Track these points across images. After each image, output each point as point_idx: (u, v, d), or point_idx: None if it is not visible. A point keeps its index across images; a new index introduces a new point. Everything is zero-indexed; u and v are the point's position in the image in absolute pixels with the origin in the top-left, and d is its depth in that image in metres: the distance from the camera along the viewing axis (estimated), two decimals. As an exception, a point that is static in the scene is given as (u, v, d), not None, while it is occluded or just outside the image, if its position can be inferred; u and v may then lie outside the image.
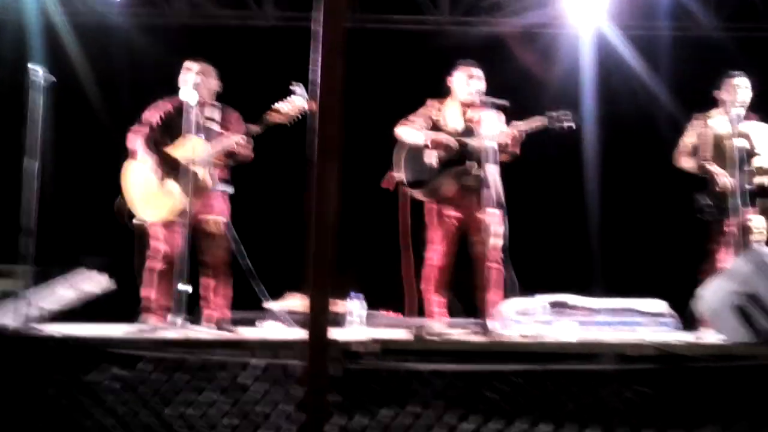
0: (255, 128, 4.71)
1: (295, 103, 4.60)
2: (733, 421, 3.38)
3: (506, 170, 5.06)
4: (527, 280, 5.06)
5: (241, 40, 7.94)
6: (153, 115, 4.93)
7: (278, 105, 4.64)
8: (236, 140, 4.73)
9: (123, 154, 4.94)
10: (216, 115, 4.92)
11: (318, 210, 2.28)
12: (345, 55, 2.31)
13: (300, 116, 4.62)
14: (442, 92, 5.30)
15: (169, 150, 4.80)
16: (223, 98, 5.10)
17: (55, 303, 4.77)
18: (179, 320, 4.28)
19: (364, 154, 6.67)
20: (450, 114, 5.12)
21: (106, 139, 7.15)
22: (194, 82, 4.76)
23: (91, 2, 7.96)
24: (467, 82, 5.07)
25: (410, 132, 5.08)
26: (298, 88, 4.55)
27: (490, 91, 4.97)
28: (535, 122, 4.81)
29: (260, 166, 5.22)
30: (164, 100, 4.97)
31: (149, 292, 4.79)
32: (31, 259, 4.28)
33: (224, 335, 4.26)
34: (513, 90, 5.60)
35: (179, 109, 4.85)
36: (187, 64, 4.92)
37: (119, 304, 5.63)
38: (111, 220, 4.89)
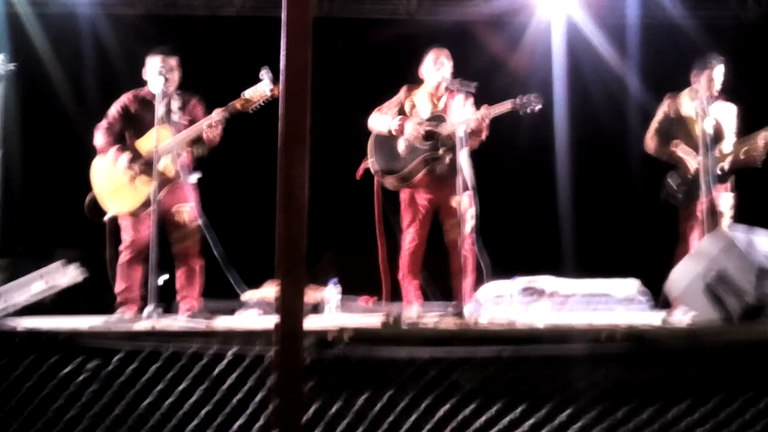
0: (221, 114, 4.67)
1: (259, 89, 4.58)
2: (704, 400, 3.42)
3: (479, 153, 5.08)
4: (501, 262, 5.09)
5: (210, 29, 7.90)
6: (114, 109, 4.93)
7: (245, 92, 4.62)
8: (202, 126, 4.69)
9: (93, 146, 4.92)
10: (177, 104, 4.89)
11: (286, 195, 2.27)
12: (311, 43, 2.30)
13: (263, 102, 4.61)
14: (413, 80, 5.30)
15: (134, 142, 4.80)
16: (193, 87, 5.08)
17: (26, 296, 4.72)
18: (152, 311, 4.25)
19: (340, 143, 6.68)
20: (420, 101, 5.14)
21: (78, 130, 7.10)
22: (161, 74, 4.72)
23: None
24: (435, 67, 5.07)
25: (380, 119, 5.10)
26: (266, 74, 4.53)
27: (461, 77, 4.97)
28: (503, 106, 4.81)
29: (241, 153, 5.22)
30: (127, 93, 4.95)
31: (122, 284, 4.78)
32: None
33: (197, 325, 4.25)
34: (484, 77, 5.62)
35: (144, 102, 4.84)
36: (153, 56, 4.87)
37: (93, 297, 5.61)
38: (83, 213, 4.86)
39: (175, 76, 4.90)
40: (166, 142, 4.62)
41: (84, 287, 5.22)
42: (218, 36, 7.90)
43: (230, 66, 7.22)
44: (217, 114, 4.64)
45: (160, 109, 4.60)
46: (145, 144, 4.75)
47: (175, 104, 4.87)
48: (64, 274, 4.93)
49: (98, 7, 7.90)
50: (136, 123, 4.85)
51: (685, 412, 3.39)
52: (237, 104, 4.64)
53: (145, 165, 4.67)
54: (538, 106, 4.81)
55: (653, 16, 8.24)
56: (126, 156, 4.73)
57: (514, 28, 8.17)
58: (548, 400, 3.43)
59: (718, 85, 5.22)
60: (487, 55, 7.86)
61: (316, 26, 2.30)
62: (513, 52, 8.09)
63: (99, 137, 4.87)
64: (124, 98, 4.93)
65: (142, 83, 4.93)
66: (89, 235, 5.09)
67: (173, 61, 4.89)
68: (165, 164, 4.63)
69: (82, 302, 5.48)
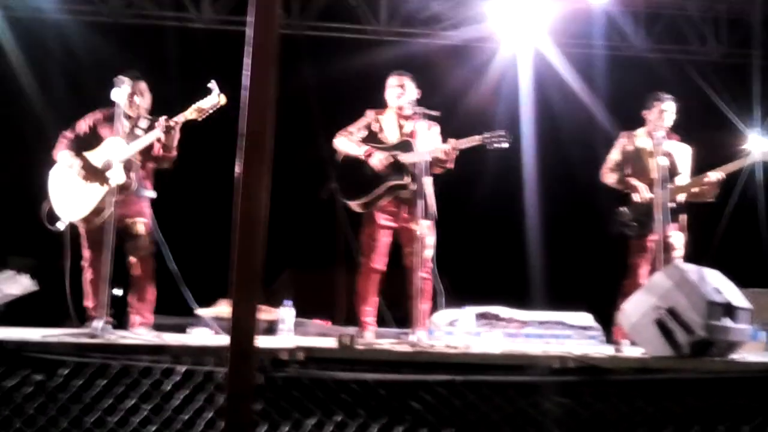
0: (171, 122, 4.72)
1: (208, 100, 4.64)
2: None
3: (443, 182, 5.09)
4: (457, 291, 5.10)
5: (178, 40, 7.87)
6: (82, 123, 4.97)
7: (196, 104, 4.67)
8: (154, 137, 4.74)
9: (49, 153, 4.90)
10: (145, 125, 4.92)
11: (244, 213, 2.26)
12: (278, 60, 2.29)
13: (211, 111, 4.65)
14: (376, 102, 5.31)
15: (89, 153, 4.80)
16: (156, 95, 5.08)
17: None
18: (103, 324, 4.19)
19: (302, 162, 6.66)
20: (387, 125, 5.14)
21: (38, 136, 7.00)
22: (130, 99, 4.80)
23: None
24: (397, 92, 5.09)
25: (348, 143, 5.09)
26: (214, 86, 4.59)
27: (428, 102, 5.00)
28: (472, 141, 4.85)
29: (194, 169, 5.20)
30: (98, 110, 4.95)
31: (87, 300, 4.76)
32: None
33: (148, 340, 4.19)
34: (450, 104, 5.65)
35: (111, 120, 4.85)
36: (123, 79, 4.87)
37: (47, 307, 5.51)
38: (37, 221, 4.81)
39: (146, 100, 4.98)
40: (118, 152, 4.64)
41: (37, 297, 5.15)
42: (186, 47, 7.87)
43: (195, 77, 7.21)
44: (164, 122, 4.67)
45: (122, 125, 4.64)
46: (98, 153, 4.78)
47: (143, 124, 4.91)
48: (17, 284, 4.85)
49: (67, 13, 7.83)
50: (100, 140, 4.85)
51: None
52: (186, 113, 4.72)
53: (95, 172, 4.68)
54: (506, 144, 4.83)
55: (618, 48, 8.40)
56: (78, 161, 4.76)
57: (481, 55, 8.25)
58: (498, 428, 3.43)
59: (668, 120, 5.33)
60: (455, 82, 7.92)
61: (282, 43, 2.29)
62: (481, 79, 8.16)
63: (59, 145, 4.90)
64: (96, 114, 4.96)
65: (107, 89, 4.91)
66: (43, 245, 5.01)
67: (143, 85, 4.98)
68: (117, 174, 4.64)
69: (35, 312, 5.39)
